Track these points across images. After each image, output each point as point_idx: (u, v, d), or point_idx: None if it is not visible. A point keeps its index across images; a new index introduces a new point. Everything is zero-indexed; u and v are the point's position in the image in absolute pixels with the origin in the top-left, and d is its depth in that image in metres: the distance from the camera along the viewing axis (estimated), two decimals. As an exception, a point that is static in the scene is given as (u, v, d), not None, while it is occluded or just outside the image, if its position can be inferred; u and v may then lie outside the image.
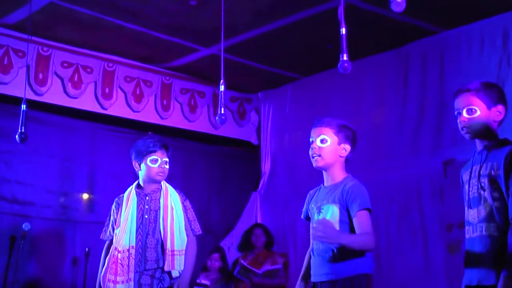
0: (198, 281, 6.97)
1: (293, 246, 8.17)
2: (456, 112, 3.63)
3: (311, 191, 4.32)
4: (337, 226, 3.90)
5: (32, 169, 7.49)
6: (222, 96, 5.27)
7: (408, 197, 7.06)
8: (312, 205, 4.16)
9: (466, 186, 3.52)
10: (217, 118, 5.29)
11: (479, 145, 3.56)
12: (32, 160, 7.49)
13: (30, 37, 6.55)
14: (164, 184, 4.68)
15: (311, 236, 4.09)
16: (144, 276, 4.43)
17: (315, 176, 7.87)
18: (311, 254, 4.12)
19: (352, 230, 3.92)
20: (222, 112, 5.23)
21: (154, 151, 4.61)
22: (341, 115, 7.83)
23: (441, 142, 6.95)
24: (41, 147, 7.55)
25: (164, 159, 4.64)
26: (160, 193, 4.63)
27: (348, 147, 4.13)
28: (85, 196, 7.92)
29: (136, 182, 4.70)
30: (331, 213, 3.98)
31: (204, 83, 8.55)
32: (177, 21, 6.84)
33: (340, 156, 4.12)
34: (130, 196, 4.62)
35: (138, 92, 8.00)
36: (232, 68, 7.70)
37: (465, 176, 3.57)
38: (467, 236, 3.47)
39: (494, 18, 6.61)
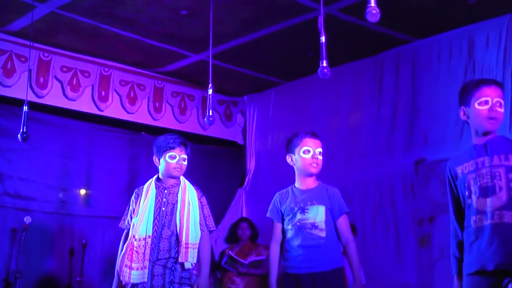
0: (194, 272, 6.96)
1: (275, 238, 8.19)
2: (483, 100, 3.48)
3: (279, 193, 4.50)
4: (323, 226, 4.20)
5: (33, 166, 7.49)
6: (210, 99, 5.30)
7: (382, 194, 7.10)
8: (291, 205, 4.33)
9: (471, 177, 3.45)
10: (205, 119, 5.33)
11: (481, 139, 3.49)
12: (33, 158, 7.50)
13: (32, 44, 6.53)
14: (183, 179, 4.62)
15: (290, 232, 4.30)
16: (156, 266, 4.38)
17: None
18: (289, 248, 4.29)
19: (335, 228, 4.26)
20: (210, 114, 5.26)
21: (173, 148, 4.55)
22: (320, 117, 7.90)
23: (413, 142, 6.99)
24: (41, 146, 7.55)
25: (182, 156, 4.58)
26: (179, 187, 4.56)
27: None
28: (83, 191, 7.92)
29: (156, 176, 4.63)
30: (317, 213, 4.24)
31: (193, 87, 8.56)
32: (169, 29, 6.85)
33: None
34: (149, 188, 4.55)
35: (132, 95, 8.00)
36: (220, 73, 7.72)
37: (465, 168, 3.51)
38: (476, 225, 3.39)
39: (461, 29, 6.68)
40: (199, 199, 4.63)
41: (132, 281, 4.33)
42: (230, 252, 7.04)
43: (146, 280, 4.34)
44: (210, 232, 4.69)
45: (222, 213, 8.71)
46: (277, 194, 4.51)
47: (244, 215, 8.57)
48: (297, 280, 4.20)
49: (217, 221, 8.38)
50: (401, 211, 6.91)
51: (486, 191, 3.37)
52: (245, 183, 8.88)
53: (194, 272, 4.61)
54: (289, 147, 4.41)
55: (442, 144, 6.60)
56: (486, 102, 3.46)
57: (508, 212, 3.29)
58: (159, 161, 4.59)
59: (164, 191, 4.54)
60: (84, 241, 7.29)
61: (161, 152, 4.57)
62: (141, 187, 4.63)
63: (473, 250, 3.40)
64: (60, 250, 7.54)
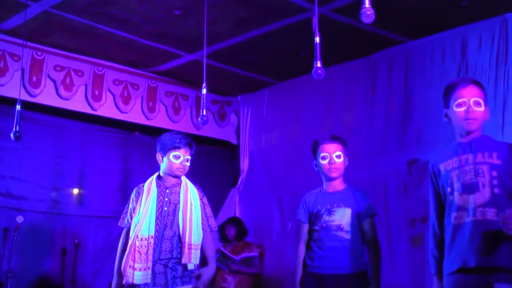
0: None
1: (269, 238, 8.19)
2: (460, 102, 3.54)
3: (308, 194, 4.61)
4: (349, 228, 4.35)
5: (25, 165, 7.48)
6: (204, 99, 5.29)
7: (375, 194, 7.10)
8: (318, 207, 4.46)
9: (455, 173, 3.48)
10: (199, 119, 5.32)
11: (464, 137, 3.54)
12: (26, 157, 7.48)
13: (25, 42, 6.51)
14: (184, 179, 4.58)
15: (316, 233, 4.43)
16: (157, 265, 4.36)
17: (290, 173, 7.96)
18: (315, 248, 4.41)
19: (360, 230, 4.40)
20: (204, 113, 5.25)
21: (179, 148, 4.51)
22: (314, 118, 7.90)
23: (406, 142, 7.00)
24: (34, 145, 7.54)
25: (186, 156, 4.53)
26: (180, 187, 4.52)
27: (347, 160, 4.60)
28: (75, 191, 7.90)
29: (156, 174, 4.58)
30: (343, 215, 4.40)
31: (187, 87, 8.55)
32: (163, 29, 6.84)
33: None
34: (151, 186, 4.50)
35: (126, 95, 7.98)
36: (214, 73, 7.71)
37: (448, 165, 3.54)
38: (457, 222, 3.42)
39: (454, 30, 6.68)
40: (200, 199, 4.60)
41: (135, 281, 4.30)
42: (222, 249, 7.04)
43: (149, 281, 4.32)
44: (212, 232, 4.67)
45: (216, 212, 8.70)
46: (305, 195, 4.62)
47: (237, 215, 8.57)
48: (321, 280, 4.32)
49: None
50: (394, 211, 6.91)
51: (469, 188, 3.41)
52: (239, 183, 8.88)
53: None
54: (313, 153, 4.56)
55: (435, 144, 6.60)
56: (464, 104, 3.51)
57: (490, 209, 3.34)
58: (163, 159, 4.55)
59: (165, 190, 4.50)
60: (76, 240, 7.28)
61: (166, 150, 4.52)
62: (141, 185, 4.58)
63: (453, 248, 3.43)
64: (52, 250, 7.52)
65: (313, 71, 3.76)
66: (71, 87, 7.54)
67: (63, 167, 7.79)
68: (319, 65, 3.72)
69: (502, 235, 3.22)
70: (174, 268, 4.38)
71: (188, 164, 4.57)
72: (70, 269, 7.24)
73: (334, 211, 4.39)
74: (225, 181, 9.06)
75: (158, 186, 4.52)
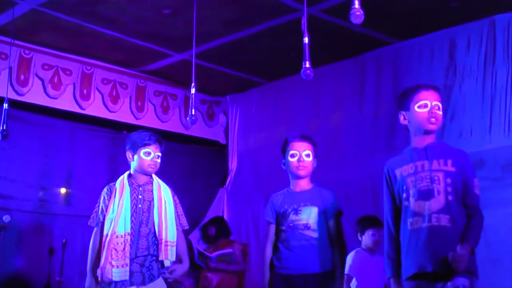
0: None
1: (255, 237, 8.20)
2: (423, 104, 3.61)
3: (275, 195, 4.54)
4: (315, 227, 4.28)
5: (13, 164, 7.43)
6: (193, 98, 5.29)
7: (363, 194, 7.11)
8: (285, 207, 4.39)
9: (410, 180, 3.53)
10: (188, 119, 5.32)
11: (420, 142, 3.60)
12: (13, 156, 7.43)
13: (12, 41, 6.49)
14: (155, 178, 4.59)
15: (283, 233, 4.35)
16: (134, 264, 4.37)
17: (277, 173, 7.92)
18: (282, 249, 4.34)
19: (327, 229, 4.33)
20: (193, 113, 5.25)
21: (149, 144, 4.51)
22: (302, 118, 7.91)
23: (394, 143, 7.00)
24: (21, 144, 7.49)
25: (157, 153, 4.55)
26: (153, 185, 4.54)
27: (316, 161, 4.51)
28: (63, 190, 7.87)
29: (127, 172, 4.59)
30: (310, 214, 4.32)
31: (176, 86, 8.53)
32: (152, 28, 6.83)
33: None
34: (123, 185, 4.49)
35: (114, 94, 7.96)
36: (203, 72, 7.70)
37: (404, 171, 3.59)
38: (413, 227, 3.47)
39: (442, 31, 6.71)
40: (172, 197, 4.61)
41: (114, 278, 4.30)
42: (198, 247, 7.03)
43: (127, 278, 4.32)
44: (184, 231, 4.69)
45: (204, 212, 8.70)
46: (272, 195, 4.56)
47: (225, 214, 8.57)
48: (289, 281, 4.26)
49: (198, 221, 8.38)
50: (381, 211, 6.91)
51: (425, 194, 3.47)
52: (227, 182, 8.87)
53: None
54: (282, 152, 4.50)
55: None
56: (426, 105, 3.58)
57: (445, 216, 3.40)
58: (133, 157, 4.55)
59: (138, 188, 4.51)
60: (64, 240, 7.24)
61: (136, 148, 4.53)
62: (113, 184, 4.58)
63: (410, 253, 3.48)
64: (39, 249, 7.48)
65: (301, 71, 3.77)
66: (59, 86, 7.51)
67: (50, 167, 7.76)
68: (307, 65, 3.73)
69: (456, 241, 3.32)
70: (150, 267, 4.39)
71: (159, 161, 4.59)
72: (57, 269, 7.20)
73: (300, 210, 4.33)
74: (213, 180, 9.04)
75: (130, 184, 4.52)
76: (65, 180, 7.89)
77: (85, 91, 7.71)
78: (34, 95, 7.37)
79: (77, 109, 7.71)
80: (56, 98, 7.52)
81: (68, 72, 7.58)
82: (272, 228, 4.45)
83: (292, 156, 4.39)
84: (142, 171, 4.54)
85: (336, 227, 4.36)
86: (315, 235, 4.27)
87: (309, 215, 4.31)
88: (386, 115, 7.15)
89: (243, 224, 8.38)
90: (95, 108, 7.83)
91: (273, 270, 4.37)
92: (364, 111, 7.38)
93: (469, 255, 3.30)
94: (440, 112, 3.59)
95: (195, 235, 7.73)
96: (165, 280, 4.51)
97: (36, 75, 7.35)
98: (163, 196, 4.54)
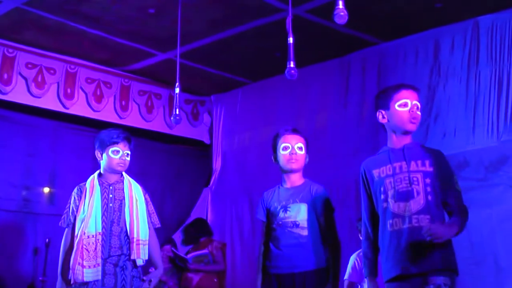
0: (150, 270, 6.93)
1: (239, 237, 8.20)
2: (403, 102, 3.60)
3: (266, 193, 4.41)
4: (305, 224, 4.14)
5: (-4, 163, 7.40)
6: (177, 98, 5.28)
7: (347, 195, 7.12)
8: (275, 204, 4.27)
9: (389, 181, 3.52)
10: (172, 118, 5.31)
11: (397, 143, 3.60)
12: (-3, 155, 7.40)
13: (-5, 39, 6.46)
14: (125, 176, 4.57)
15: (273, 232, 4.23)
16: (108, 264, 4.34)
17: (262, 173, 7.95)
18: (272, 248, 4.23)
19: (319, 227, 4.17)
20: (177, 113, 5.24)
21: (117, 143, 4.47)
22: (287, 118, 7.90)
23: (379, 144, 7.01)
24: (5, 143, 7.45)
25: (125, 151, 4.50)
26: (124, 184, 4.51)
27: (308, 157, 4.40)
28: (47, 190, 7.83)
29: (97, 172, 4.58)
30: (299, 211, 4.18)
31: (160, 86, 8.50)
32: (136, 27, 6.81)
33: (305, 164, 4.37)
34: (93, 184, 4.47)
35: (98, 93, 7.92)
36: (187, 72, 7.68)
37: (382, 172, 3.58)
38: (393, 229, 3.46)
39: (427, 32, 6.74)
40: (143, 195, 4.59)
41: (85, 279, 4.26)
42: (172, 248, 7.02)
43: (99, 278, 4.29)
44: (155, 229, 4.67)
45: (188, 212, 8.69)
46: (264, 193, 4.43)
47: (209, 214, 8.57)
48: (279, 281, 4.15)
49: (182, 221, 8.37)
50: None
51: (404, 196, 3.46)
52: (211, 182, 8.86)
53: (150, 270, 4.59)
54: (273, 146, 4.38)
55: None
56: (406, 104, 3.57)
57: (425, 216, 3.40)
58: (102, 156, 4.51)
59: (109, 187, 4.48)
60: (47, 240, 7.21)
61: (104, 147, 4.49)
62: (83, 184, 4.55)
63: (390, 255, 3.47)
64: (23, 249, 7.45)
65: (286, 72, 3.77)
66: (43, 85, 7.47)
67: (34, 166, 7.72)
68: (292, 65, 3.73)
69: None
70: (124, 266, 4.37)
71: (128, 159, 4.54)
72: (40, 269, 7.17)
73: (289, 207, 4.19)
74: (197, 180, 9.03)
75: (100, 184, 4.50)
76: (48, 179, 7.85)
77: (69, 90, 7.67)
78: (18, 94, 7.31)
79: (61, 108, 7.66)
80: (39, 97, 7.47)
81: (52, 71, 7.53)
82: (264, 226, 4.32)
83: (284, 149, 4.26)
84: (112, 170, 4.50)
85: (327, 223, 4.18)
86: (304, 233, 4.12)
87: (298, 212, 4.17)
88: (371, 115, 7.15)
89: (227, 224, 8.38)
90: (79, 107, 7.79)
91: (265, 270, 4.25)
92: (348, 112, 7.40)
93: (449, 232, 3.31)
94: (419, 113, 3.59)
95: (180, 235, 7.72)
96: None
97: (20, 74, 7.30)
98: (134, 194, 4.51)
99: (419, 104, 3.59)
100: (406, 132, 3.58)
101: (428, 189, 3.42)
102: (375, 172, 3.62)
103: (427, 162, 3.48)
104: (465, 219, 3.41)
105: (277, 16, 6.40)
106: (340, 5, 3.33)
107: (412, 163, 3.49)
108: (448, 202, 3.44)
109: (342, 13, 3.34)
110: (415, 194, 3.43)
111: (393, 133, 3.62)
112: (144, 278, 4.47)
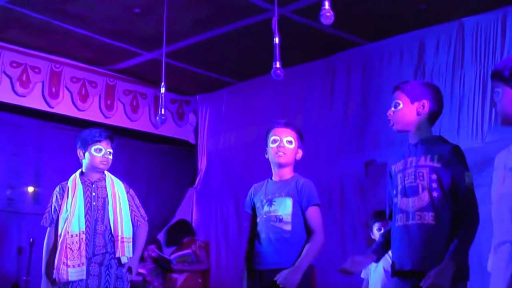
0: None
1: (224, 237, 8.19)
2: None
3: (256, 185, 4.33)
4: (289, 219, 4.04)
5: (-20, 163, 7.35)
6: (163, 98, 5.26)
7: (332, 195, 7.12)
8: (261, 197, 4.19)
9: (399, 176, 3.50)
10: (157, 118, 5.29)
11: (412, 138, 3.55)
12: (-19, 154, 7.35)
13: (-20, 38, 6.41)
14: (107, 173, 4.56)
15: (258, 226, 4.15)
16: (92, 264, 4.31)
17: (247, 173, 7.95)
18: (256, 243, 4.13)
19: (304, 222, 4.06)
20: (162, 112, 5.22)
21: (99, 141, 4.47)
22: (272, 118, 7.87)
23: (363, 144, 7.04)
24: (-11, 143, 7.40)
25: (108, 149, 4.50)
26: (106, 181, 4.51)
27: (301, 152, 4.30)
28: (31, 189, 7.79)
29: (79, 170, 4.55)
30: (284, 205, 4.08)
31: (146, 85, 8.48)
32: (122, 27, 6.78)
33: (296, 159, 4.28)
34: (75, 183, 4.46)
35: (83, 92, 7.89)
36: (173, 72, 7.65)
37: (397, 167, 3.56)
38: (399, 224, 3.44)
39: (412, 33, 6.75)
40: (127, 192, 4.58)
41: (70, 278, 4.24)
42: (156, 250, 7.01)
43: (84, 277, 4.27)
44: (152, 229, 4.66)
45: (173, 212, 8.68)
46: (253, 186, 4.35)
47: (194, 214, 8.56)
48: (262, 277, 4.05)
49: (167, 221, 8.35)
50: (350, 212, 6.95)
51: (409, 191, 3.43)
52: (196, 182, 8.85)
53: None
54: (265, 140, 4.31)
55: (391, 146, 6.65)
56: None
57: (428, 213, 3.35)
58: (84, 155, 4.50)
59: (91, 185, 4.47)
60: (31, 239, 7.16)
61: (86, 145, 4.48)
62: (65, 183, 4.54)
63: (394, 249, 3.48)
64: (7, 249, 7.41)
65: (272, 72, 3.76)
66: (28, 84, 7.43)
67: (18, 165, 7.67)
68: (278, 65, 3.72)
69: (440, 238, 3.28)
70: (109, 265, 4.35)
71: (111, 157, 4.54)
72: (24, 268, 7.13)
73: (274, 201, 4.10)
74: (182, 180, 9.01)
75: (83, 182, 4.48)
76: (33, 178, 7.80)
77: (53, 89, 7.63)
78: (2, 93, 7.28)
79: (45, 108, 7.63)
80: (24, 96, 7.43)
81: (36, 70, 7.49)
82: (250, 219, 4.23)
83: (273, 142, 4.18)
84: (94, 168, 4.49)
85: (312, 219, 4.06)
86: (288, 227, 4.01)
87: (282, 207, 4.06)
88: (355, 116, 7.18)
89: (212, 224, 8.37)
90: (64, 106, 7.76)
91: (250, 266, 4.14)
92: (333, 112, 7.41)
93: (452, 273, 3.17)
94: (397, 108, 3.60)
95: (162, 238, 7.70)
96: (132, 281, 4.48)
97: (4, 72, 7.26)
98: (117, 191, 4.50)
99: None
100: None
101: (434, 185, 3.35)
102: (393, 168, 3.60)
103: (435, 157, 3.40)
104: (471, 232, 3.31)
105: (263, 16, 6.40)
106: (326, 5, 3.32)
107: (422, 158, 3.43)
108: (457, 199, 3.34)
109: (328, 14, 3.33)
110: (420, 190, 3.38)
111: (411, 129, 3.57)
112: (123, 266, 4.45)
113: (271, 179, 4.27)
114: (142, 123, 8.47)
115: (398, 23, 6.62)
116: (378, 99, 6.94)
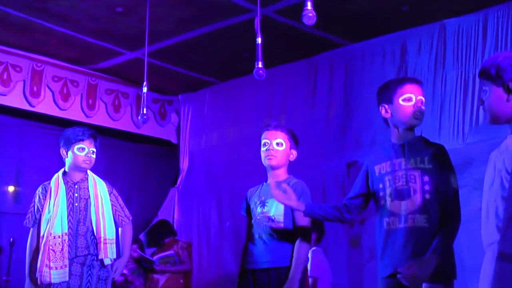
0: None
1: (206, 237, 8.18)
2: (407, 97, 3.49)
3: (251, 189, 4.37)
4: (281, 219, 4.07)
5: (-40, 162, 7.29)
6: (145, 97, 5.25)
7: (314, 195, 7.08)
8: (255, 200, 4.24)
9: (388, 178, 3.47)
10: (139, 117, 5.28)
11: (402, 138, 3.50)
12: (-39, 153, 7.29)
13: (-39, 36, 6.36)
14: (90, 173, 4.52)
15: (252, 228, 4.18)
16: (74, 264, 4.29)
17: (229, 173, 7.95)
18: (249, 243, 4.17)
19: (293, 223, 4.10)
20: (144, 112, 5.21)
21: (82, 140, 4.43)
22: (254, 118, 7.91)
23: (345, 145, 7.06)
24: (-31, 141, 7.35)
25: (91, 148, 4.47)
26: (88, 182, 4.48)
27: (295, 152, 4.31)
28: (11, 188, 7.73)
29: (62, 170, 4.52)
30: (276, 206, 4.10)
31: (128, 85, 8.45)
32: (104, 26, 6.76)
33: (289, 160, 4.29)
34: (58, 183, 4.42)
35: (65, 91, 7.85)
36: (155, 71, 7.64)
37: (382, 168, 3.53)
38: (389, 227, 3.42)
39: (394, 34, 6.78)
40: (110, 192, 4.55)
41: (53, 281, 4.22)
42: (139, 251, 6.99)
43: (67, 279, 4.25)
44: (134, 228, 4.65)
45: (155, 211, 8.66)
46: (249, 189, 4.38)
47: (176, 214, 8.54)
48: (254, 277, 4.09)
49: (149, 221, 8.33)
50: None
51: (401, 194, 3.40)
52: (178, 182, 8.84)
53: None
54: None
55: (373, 147, 6.68)
56: (411, 99, 3.48)
57: (421, 216, 3.34)
58: (67, 154, 4.47)
59: (74, 186, 4.44)
60: (11, 239, 7.12)
61: (69, 144, 4.44)
62: (47, 183, 4.50)
63: (386, 254, 3.44)
64: (-14, 249, 7.35)
65: (254, 72, 3.76)
66: (9, 82, 7.38)
67: (-1, 164, 7.63)
68: (260, 65, 3.72)
69: (430, 242, 3.27)
70: (91, 265, 4.33)
71: (94, 156, 4.51)
72: (4, 269, 7.08)
73: (267, 202, 4.14)
74: (164, 180, 8.99)
75: (65, 182, 4.45)
76: (13, 178, 7.75)
77: (35, 88, 7.59)
78: (-17, 91, 7.24)
79: (27, 107, 7.59)
80: (5, 95, 7.39)
81: (18, 69, 7.45)
82: (246, 221, 4.28)
83: (264, 145, 4.20)
84: (77, 167, 4.46)
85: (300, 219, 4.05)
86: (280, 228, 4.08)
87: (274, 207, 4.10)
88: (338, 116, 7.19)
89: (194, 224, 8.37)
90: (45, 105, 7.72)
91: (243, 266, 4.18)
92: (316, 112, 7.42)
93: (433, 266, 3.19)
94: (424, 107, 3.51)
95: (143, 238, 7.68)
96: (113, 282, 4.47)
97: (-15, 71, 7.22)
98: (99, 192, 4.47)
99: (423, 99, 3.51)
100: (409, 128, 3.50)
101: (426, 187, 3.34)
102: (377, 168, 3.56)
103: (426, 159, 3.39)
104: (454, 229, 3.33)
105: (245, 16, 6.40)
106: (309, 6, 3.33)
107: (411, 160, 3.41)
108: (445, 201, 3.34)
109: (310, 14, 3.34)
110: (412, 192, 3.36)
111: (396, 128, 3.53)
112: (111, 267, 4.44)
113: (266, 182, 4.30)
114: (124, 123, 8.44)
115: (380, 24, 6.64)
116: (361, 100, 6.96)
